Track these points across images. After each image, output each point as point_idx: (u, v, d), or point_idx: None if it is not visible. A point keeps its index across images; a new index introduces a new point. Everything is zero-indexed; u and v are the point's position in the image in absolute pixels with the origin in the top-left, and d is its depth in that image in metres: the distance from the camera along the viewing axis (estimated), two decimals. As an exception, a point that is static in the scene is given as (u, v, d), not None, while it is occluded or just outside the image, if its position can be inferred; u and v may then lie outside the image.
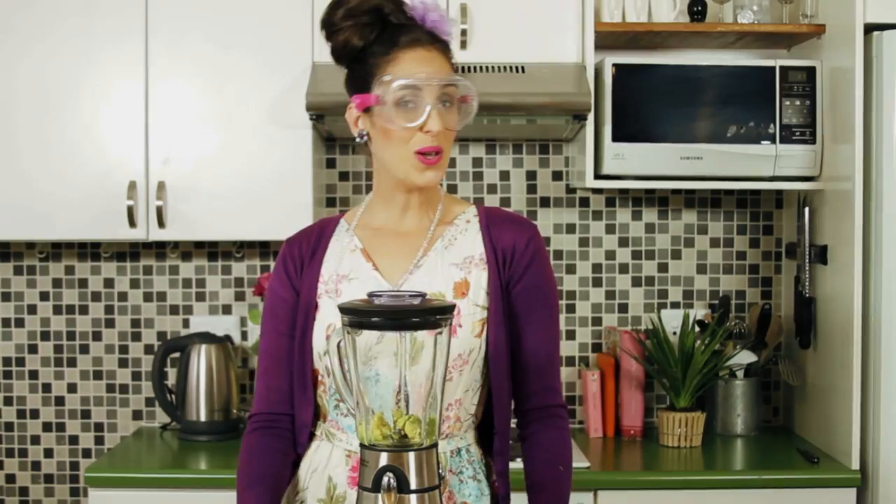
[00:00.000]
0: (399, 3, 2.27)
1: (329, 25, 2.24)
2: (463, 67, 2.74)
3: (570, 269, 4.16)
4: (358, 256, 2.35)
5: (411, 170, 2.26)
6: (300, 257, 2.38)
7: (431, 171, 2.25)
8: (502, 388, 2.31)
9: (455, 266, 2.33)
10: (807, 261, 3.80)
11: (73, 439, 4.17)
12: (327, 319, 2.30)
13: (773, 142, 3.72)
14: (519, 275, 2.34)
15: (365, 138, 2.30)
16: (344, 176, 4.14)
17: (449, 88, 2.22)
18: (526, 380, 2.36)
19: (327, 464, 2.34)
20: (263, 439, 2.36)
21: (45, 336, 4.14)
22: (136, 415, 4.17)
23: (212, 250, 4.13)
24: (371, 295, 2.04)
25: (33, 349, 4.15)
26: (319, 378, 2.35)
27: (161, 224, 3.70)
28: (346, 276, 2.33)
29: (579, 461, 3.56)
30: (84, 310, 4.14)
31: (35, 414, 4.16)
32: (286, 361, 2.37)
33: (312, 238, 2.40)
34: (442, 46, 2.27)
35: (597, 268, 4.16)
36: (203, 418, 3.89)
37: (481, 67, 3.67)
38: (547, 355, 2.37)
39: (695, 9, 3.86)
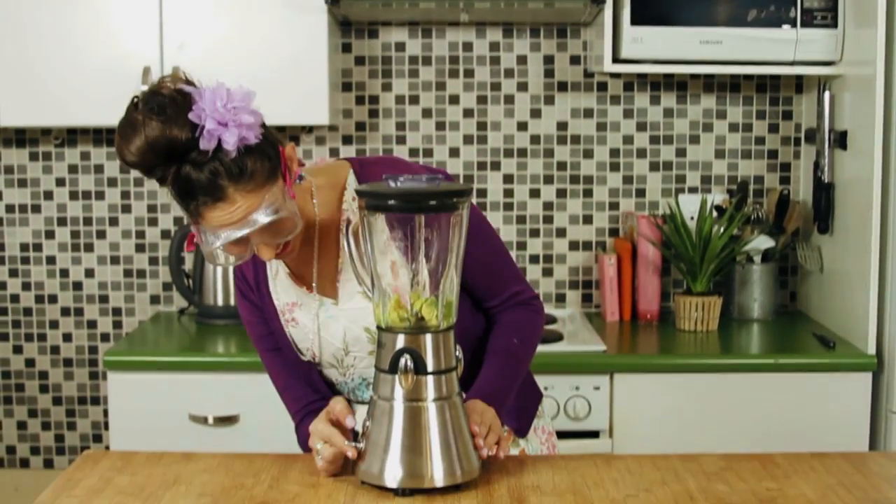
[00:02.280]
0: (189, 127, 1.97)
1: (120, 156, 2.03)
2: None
3: (588, 154, 4.14)
4: (289, 282, 2.35)
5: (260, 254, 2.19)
6: (248, 285, 2.40)
7: (282, 257, 2.22)
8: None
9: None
10: (826, 146, 3.77)
11: (92, 324, 4.19)
12: (303, 343, 2.37)
13: (794, 26, 3.67)
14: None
15: None
16: (360, 61, 4.10)
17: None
18: (487, 294, 2.39)
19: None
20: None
21: (61, 222, 4.15)
22: (154, 299, 4.19)
23: (227, 135, 4.11)
24: (388, 178, 2.03)
25: (50, 235, 4.16)
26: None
27: (176, 109, 3.68)
28: (295, 303, 2.35)
29: (595, 345, 3.57)
30: (100, 195, 4.14)
31: (53, 299, 4.18)
32: (294, 367, 2.41)
33: (250, 266, 2.39)
34: (231, 181, 2.01)
35: (614, 152, 4.14)
36: (220, 302, 3.91)
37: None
38: (494, 266, 2.39)
39: None
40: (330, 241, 2.31)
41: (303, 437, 2.38)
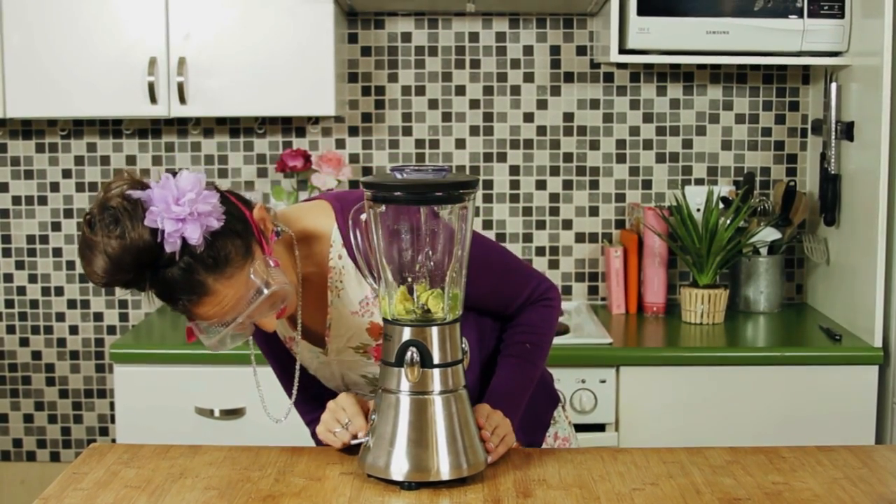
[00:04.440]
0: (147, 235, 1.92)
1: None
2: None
3: (594, 146, 4.13)
4: (285, 322, 2.35)
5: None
6: None
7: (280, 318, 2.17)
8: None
9: (356, 315, 2.27)
10: (833, 137, 3.76)
11: (98, 316, 4.19)
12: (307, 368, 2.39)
13: (801, 16, 3.66)
14: None
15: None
16: (366, 51, 4.10)
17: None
18: (501, 308, 2.37)
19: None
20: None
21: (67, 213, 4.15)
22: (160, 291, 4.18)
23: (233, 126, 4.11)
24: (394, 169, 2.03)
25: (56, 227, 4.15)
26: None
27: (182, 100, 3.68)
28: (293, 338, 2.35)
29: (601, 337, 3.57)
30: (106, 187, 4.13)
31: (59, 291, 4.18)
32: (303, 380, 2.40)
33: None
34: (209, 273, 1.98)
35: (621, 144, 4.13)
36: (226, 295, 3.91)
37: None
38: (498, 290, 2.35)
39: None
40: (317, 295, 2.27)
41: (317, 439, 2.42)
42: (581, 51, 4.10)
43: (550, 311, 2.41)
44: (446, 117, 4.11)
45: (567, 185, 4.14)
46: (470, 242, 2.07)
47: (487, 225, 4.13)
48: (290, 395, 2.36)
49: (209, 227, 1.94)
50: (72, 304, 4.19)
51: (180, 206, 1.91)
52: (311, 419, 2.43)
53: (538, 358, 2.38)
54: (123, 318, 4.19)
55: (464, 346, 2.09)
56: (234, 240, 2.00)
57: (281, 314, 2.11)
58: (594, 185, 4.15)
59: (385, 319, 2.08)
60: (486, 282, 2.28)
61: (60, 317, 4.19)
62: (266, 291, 2.01)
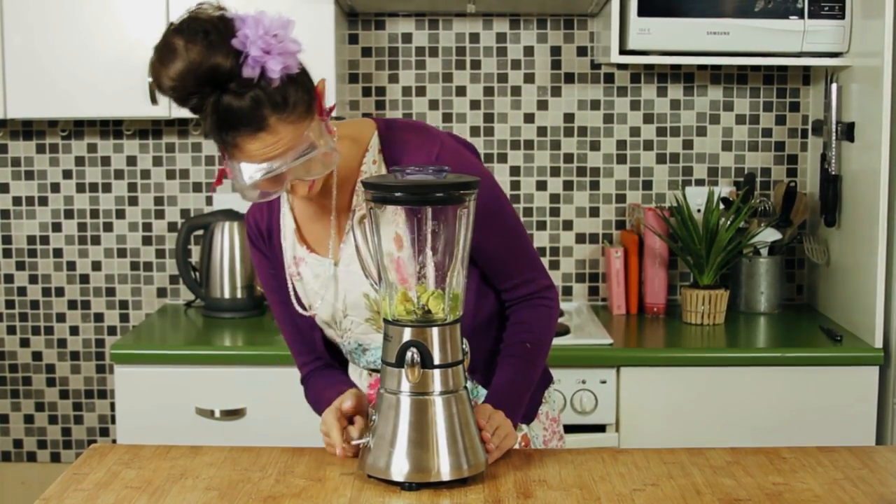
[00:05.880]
0: (233, 53, 1.95)
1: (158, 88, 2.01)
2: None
3: (595, 146, 4.13)
4: (294, 238, 2.34)
5: (294, 192, 2.18)
6: (259, 234, 2.38)
7: (308, 196, 2.19)
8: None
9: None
10: (833, 138, 3.77)
11: (99, 317, 4.20)
12: (304, 299, 2.35)
13: (802, 16, 3.66)
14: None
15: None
16: (367, 52, 4.10)
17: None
18: (499, 278, 2.36)
19: (355, 379, 2.43)
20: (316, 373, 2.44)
21: (68, 214, 4.15)
22: (161, 292, 4.19)
23: (234, 128, 4.11)
24: (395, 170, 2.03)
25: (57, 227, 4.16)
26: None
27: (183, 101, 3.67)
28: (301, 258, 2.34)
29: (602, 338, 3.57)
30: (107, 188, 4.14)
31: (60, 292, 4.19)
32: (298, 324, 2.40)
33: (264, 214, 2.37)
34: (274, 111, 1.99)
35: (621, 144, 4.13)
36: (227, 295, 3.91)
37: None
38: (508, 252, 2.34)
39: None
40: (343, 198, 2.27)
41: (310, 399, 2.42)
42: (581, 51, 4.10)
43: (549, 311, 2.39)
44: (447, 118, 4.11)
45: (567, 185, 4.14)
46: (470, 240, 2.07)
47: (488, 226, 4.13)
48: (301, 366, 2.42)
49: (289, 68, 1.97)
50: (72, 304, 4.19)
51: (270, 37, 1.95)
52: (300, 368, 2.44)
53: (538, 358, 2.37)
54: (124, 318, 4.19)
55: (464, 346, 2.09)
56: (303, 93, 2.02)
57: (312, 187, 2.13)
58: (595, 185, 4.15)
59: (385, 320, 2.08)
60: (493, 236, 2.28)
61: (61, 317, 4.19)
62: (319, 149, 2.04)
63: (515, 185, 4.13)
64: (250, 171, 2.03)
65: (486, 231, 2.21)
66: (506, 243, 2.33)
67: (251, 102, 1.95)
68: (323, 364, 2.42)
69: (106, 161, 4.13)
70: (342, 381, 2.36)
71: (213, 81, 1.93)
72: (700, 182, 4.14)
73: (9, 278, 4.18)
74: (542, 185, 4.13)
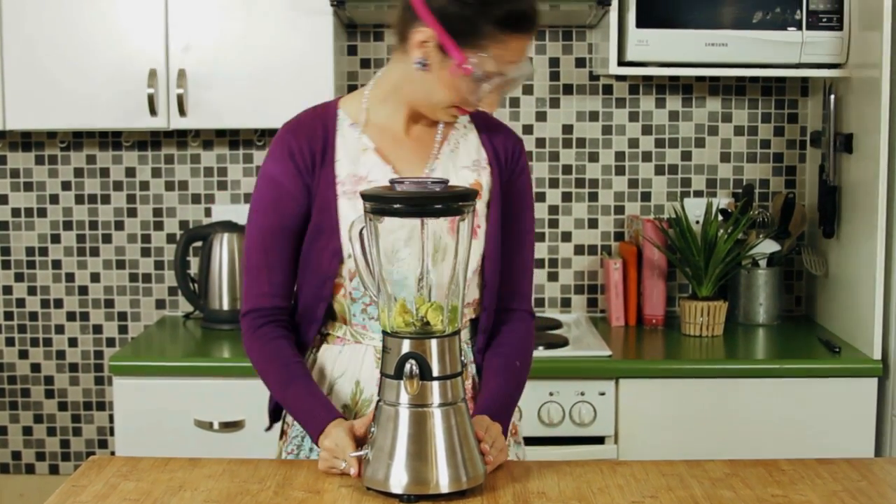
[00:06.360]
0: None
1: None
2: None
3: (593, 158, 4.13)
4: (372, 156, 2.33)
5: (442, 113, 2.29)
6: (310, 153, 2.32)
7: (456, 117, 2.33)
8: (495, 271, 2.38)
9: (467, 169, 2.37)
10: (831, 149, 3.77)
11: (97, 328, 4.19)
12: (349, 220, 2.25)
13: (800, 28, 3.67)
14: (512, 180, 2.41)
15: (426, 67, 2.23)
16: (365, 63, 4.10)
17: None
18: (505, 280, 2.42)
19: (355, 367, 2.35)
20: (279, 331, 2.35)
21: (67, 226, 4.15)
22: (160, 304, 4.19)
23: (233, 138, 4.12)
24: (393, 182, 2.03)
25: (56, 239, 4.16)
26: (338, 281, 2.34)
27: (182, 112, 3.68)
28: (364, 177, 2.31)
29: (601, 350, 3.57)
30: (106, 199, 4.14)
31: (59, 303, 4.18)
32: (289, 257, 2.35)
33: (318, 132, 2.34)
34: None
35: (620, 156, 4.14)
36: (225, 307, 3.91)
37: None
38: (525, 260, 2.45)
39: None
40: (426, 141, 2.38)
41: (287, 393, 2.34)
42: (580, 63, 4.11)
43: (532, 333, 2.48)
44: (445, 129, 4.11)
45: (566, 197, 4.14)
46: (469, 252, 2.08)
47: (487, 237, 4.13)
48: (254, 307, 2.36)
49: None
50: (71, 316, 4.19)
51: None
52: (300, 405, 2.33)
53: (524, 378, 2.42)
54: (122, 330, 4.19)
55: (463, 358, 2.10)
56: None
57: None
58: (593, 197, 4.15)
59: (384, 332, 2.08)
60: (530, 241, 2.46)
61: (60, 329, 4.19)
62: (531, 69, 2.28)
63: (514, 197, 4.12)
64: (501, 78, 2.19)
65: (522, 224, 2.42)
66: (531, 245, 2.48)
67: (534, 7, 2.19)
68: (283, 329, 2.36)
69: (105, 172, 4.13)
70: (322, 396, 2.32)
71: None
72: (699, 193, 4.15)
73: (7, 290, 4.18)
74: (540, 197, 4.13)
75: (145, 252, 4.16)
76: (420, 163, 2.35)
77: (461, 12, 2.14)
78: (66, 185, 4.14)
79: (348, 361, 2.37)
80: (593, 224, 4.16)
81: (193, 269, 4.04)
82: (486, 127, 2.43)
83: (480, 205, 2.35)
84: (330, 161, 2.32)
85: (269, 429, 2.51)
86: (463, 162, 2.38)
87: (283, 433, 2.48)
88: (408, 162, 2.34)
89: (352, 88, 4.09)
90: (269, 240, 2.34)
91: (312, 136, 2.33)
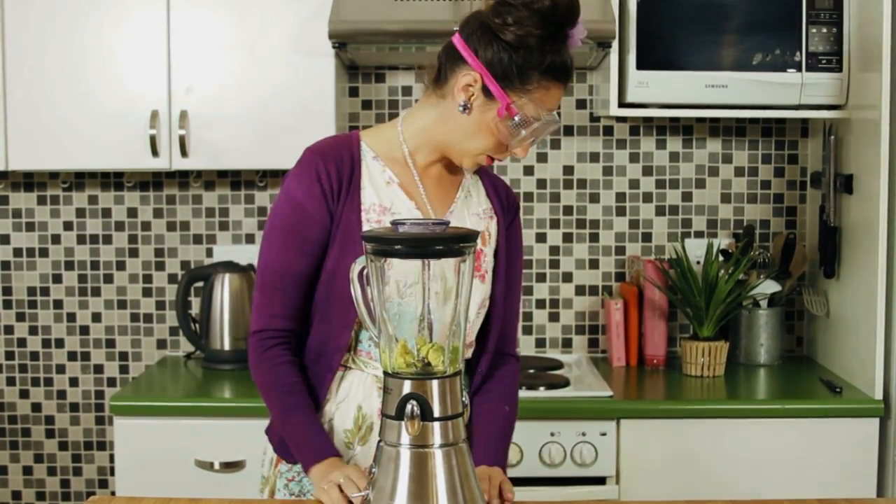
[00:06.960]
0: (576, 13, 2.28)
1: (508, 10, 2.25)
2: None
3: (594, 199, 4.14)
4: (397, 190, 2.36)
5: (470, 160, 2.35)
6: (338, 178, 2.33)
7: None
8: (499, 316, 2.45)
9: (476, 216, 2.43)
10: (832, 190, 3.78)
11: (98, 368, 4.19)
12: None
13: (799, 70, 3.69)
14: (510, 228, 2.50)
15: (467, 111, 2.29)
16: (367, 105, 4.12)
17: None
18: (495, 324, 2.47)
19: (358, 393, 2.36)
20: (287, 355, 2.36)
21: (69, 266, 4.15)
22: (161, 344, 4.19)
23: (235, 179, 4.13)
24: (395, 223, 2.04)
25: (57, 279, 4.16)
26: None
27: (184, 153, 3.69)
28: (388, 208, 2.34)
29: (603, 390, 3.57)
30: (108, 239, 4.15)
31: (60, 343, 4.18)
32: (305, 282, 2.35)
33: (345, 158, 2.35)
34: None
35: (620, 197, 4.14)
36: (227, 347, 3.91)
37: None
38: (514, 304, 2.52)
39: (721, -66, 3.82)
40: (445, 185, 2.44)
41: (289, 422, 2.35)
42: (581, 104, 4.12)
43: (517, 378, 2.56)
44: (447, 170, 4.12)
45: (567, 237, 4.15)
46: (470, 291, 2.09)
47: (488, 277, 4.13)
48: (265, 328, 2.38)
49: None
50: (72, 356, 4.18)
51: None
52: (301, 438, 2.33)
53: (514, 421, 2.50)
54: (123, 370, 4.19)
55: (464, 399, 2.10)
56: None
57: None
58: (594, 237, 4.15)
59: (385, 372, 2.08)
60: (519, 287, 2.53)
61: (60, 369, 4.19)
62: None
63: (515, 237, 4.13)
64: (543, 120, 2.26)
65: (513, 270, 2.48)
66: (520, 291, 2.54)
67: (573, 59, 2.30)
68: (290, 353, 2.38)
69: (106, 213, 4.14)
70: (323, 430, 2.33)
71: (563, 23, 2.25)
72: (699, 234, 4.15)
73: (9, 329, 4.18)
74: (541, 238, 4.14)
75: (146, 292, 4.17)
76: (440, 205, 2.39)
77: (510, 59, 2.22)
78: (67, 226, 4.15)
79: (349, 387, 2.39)
80: (594, 265, 4.17)
81: (195, 309, 4.04)
82: (489, 177, 2.51)
83: (488, 251, 2.40)
84: (356, 188, 2.34)
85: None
86: (474, 209, 2.44)
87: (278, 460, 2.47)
88: (430, 201, 2.38)
89: (353, 129, 4.10)
90: (286, 262, 2.34)
91: (340, 161, 2.35)
